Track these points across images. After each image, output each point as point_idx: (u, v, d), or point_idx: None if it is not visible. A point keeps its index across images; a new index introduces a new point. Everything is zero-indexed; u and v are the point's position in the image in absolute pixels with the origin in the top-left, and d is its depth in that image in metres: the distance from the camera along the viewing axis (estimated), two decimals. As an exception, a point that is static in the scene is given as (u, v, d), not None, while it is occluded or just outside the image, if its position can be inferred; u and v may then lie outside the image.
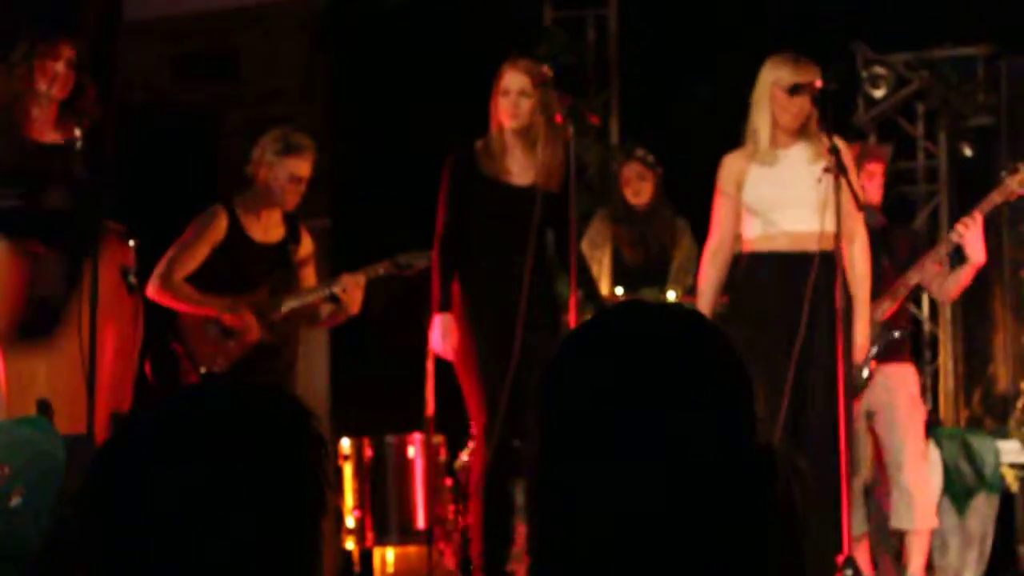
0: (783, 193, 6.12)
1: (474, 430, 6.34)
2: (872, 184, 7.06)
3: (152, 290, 6.19)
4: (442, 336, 6.18)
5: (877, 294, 6.65)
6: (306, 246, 6.89)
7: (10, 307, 5.57)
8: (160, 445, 1.84)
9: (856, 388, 6.68)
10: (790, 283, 6.01)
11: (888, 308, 6.82)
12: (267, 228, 6.75)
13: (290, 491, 1.83)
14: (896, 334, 6.88)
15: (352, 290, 6.68)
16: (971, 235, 6.67)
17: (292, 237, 6.83)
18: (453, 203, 6.28)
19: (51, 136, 5.87)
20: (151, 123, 9.93)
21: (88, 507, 1.85)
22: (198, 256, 6.55)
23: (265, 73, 10.38)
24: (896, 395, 6.84)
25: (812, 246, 6.00)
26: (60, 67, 5.85)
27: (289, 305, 6.69)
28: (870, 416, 6.87)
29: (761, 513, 1.77)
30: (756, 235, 6.21)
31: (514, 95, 6.21)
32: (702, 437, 1.76)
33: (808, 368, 5.93)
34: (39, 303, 5.60)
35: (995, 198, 6.72)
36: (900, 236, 7.16)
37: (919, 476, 6.82)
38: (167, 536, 1.78)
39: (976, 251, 6.70)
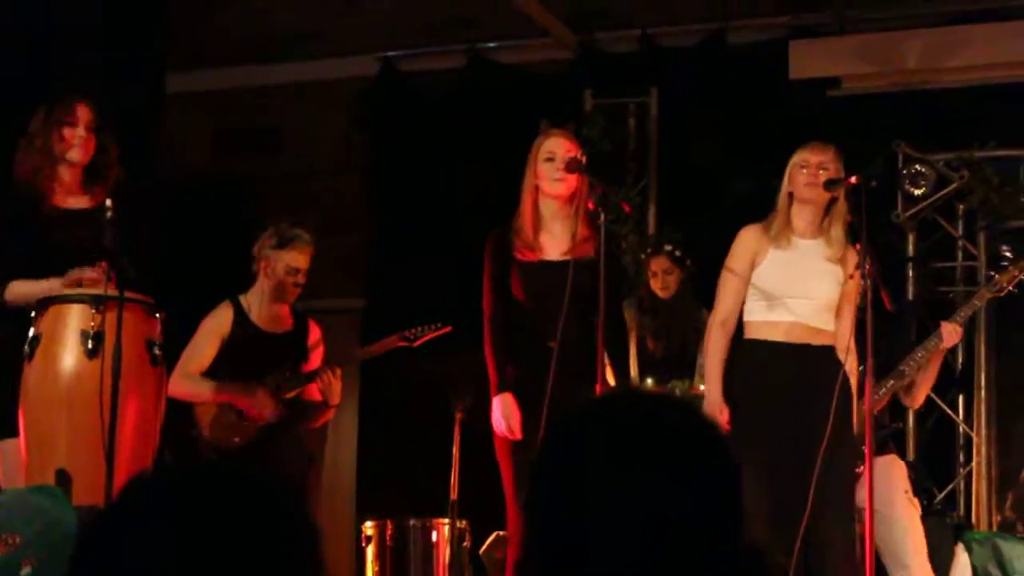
0: (795, 282, 6.05)
1: (509, 519, 6.12)
2: None
3: (173, 387, 6.16)
4: (503, 416, 5.95)
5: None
6: (314, 335, 7.00)
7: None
8: (148, 525, 1.82)
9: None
10: (788, 374, 5.96)
11: (879, 402, 6.72)
12: (275, 319, 6.92)
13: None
14: (884, 430, 6.81)
15: (328, 380, 6.74)
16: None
17: (300, 328, 6.96)
18: (497, 285, 6.14)
19: (77, 202, 5.87)
20: (191, 196, 9.98)
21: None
22: (209, 351, 6.81)
23: (305, 149, 10.43)
24: (889, 487, 6.60)
25: (813, 340, 5.97)
26: (80, 131, 5.82)
27: (292, 389, 6.78)
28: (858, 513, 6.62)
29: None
30: (758, 319, 6.13)
31: (560, 160, 6.07)
32: (688, 526, 1.75)
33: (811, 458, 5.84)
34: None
35: (983, 295, 6.75)
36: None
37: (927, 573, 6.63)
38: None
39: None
